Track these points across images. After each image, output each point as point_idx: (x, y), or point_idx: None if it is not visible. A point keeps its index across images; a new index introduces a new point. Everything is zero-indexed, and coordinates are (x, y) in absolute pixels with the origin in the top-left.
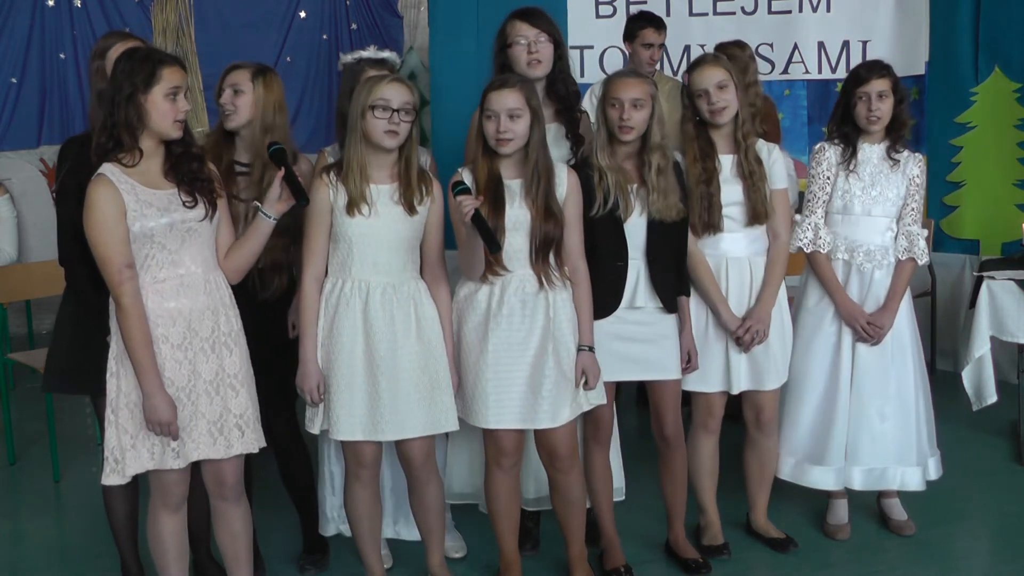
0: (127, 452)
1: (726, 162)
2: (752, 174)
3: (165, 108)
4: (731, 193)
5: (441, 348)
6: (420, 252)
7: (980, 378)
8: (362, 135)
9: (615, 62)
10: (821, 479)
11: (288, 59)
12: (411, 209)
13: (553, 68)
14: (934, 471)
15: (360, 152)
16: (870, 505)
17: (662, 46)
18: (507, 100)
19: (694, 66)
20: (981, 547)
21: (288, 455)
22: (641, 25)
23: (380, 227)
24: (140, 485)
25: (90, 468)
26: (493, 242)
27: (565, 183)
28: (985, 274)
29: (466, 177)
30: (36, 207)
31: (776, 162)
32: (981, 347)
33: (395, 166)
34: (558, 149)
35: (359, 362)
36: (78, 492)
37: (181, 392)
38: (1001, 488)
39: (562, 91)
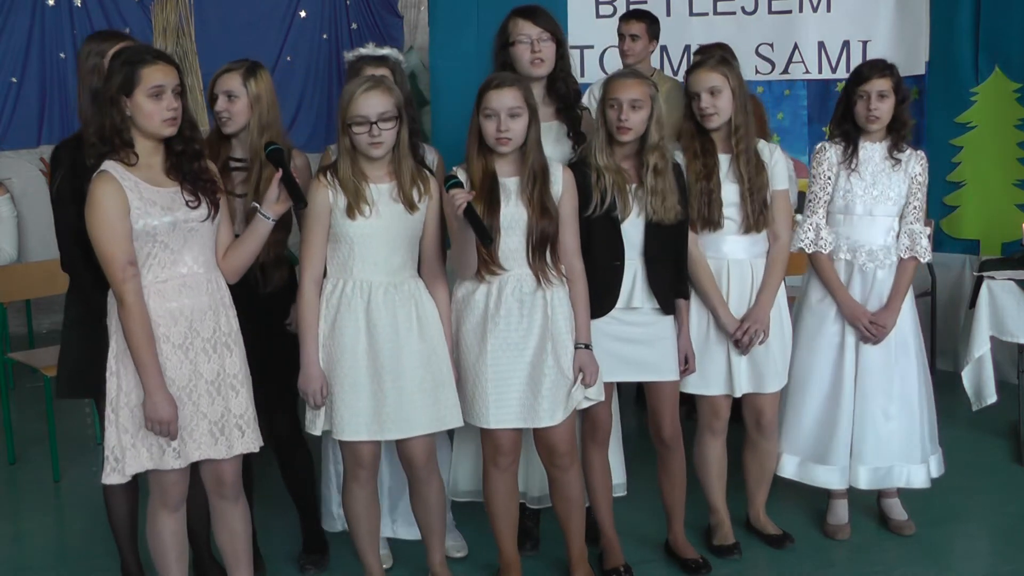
0: (127, 451)
1: (724, 161)
2: (743, 179)
3: (149, 109)
4: (730, 193)
5: (443, 345)
6: (419, 250)
7: (980, 378)
8: (348, 148)
9: (615, 62)
10: (826, 478)
11: (288, 59)
12: (411, 206)
13: (555, 67)
14: (935, 469)
15: (350, 161)
16: (870, 505)
17: (636, 37)
18: (507, 99)
19: (693, 67)
20: (981, 547)
21: (289, 453)
22: (621, 16)
23: (381, 226)
24: (140, 484)
25: (90, 468)
26: (485, 235)
27: (560, 181)
28: (985, 274)
29: (461, 175)
30: (36, 207)
31: (778, 163)
32: (981, 347)
33: (389, 164)
34: (560, 147)
35: (362, 362)
36: (78, 492)
37: (182, 392)
38: (1001, 488)
39: (563, 90)
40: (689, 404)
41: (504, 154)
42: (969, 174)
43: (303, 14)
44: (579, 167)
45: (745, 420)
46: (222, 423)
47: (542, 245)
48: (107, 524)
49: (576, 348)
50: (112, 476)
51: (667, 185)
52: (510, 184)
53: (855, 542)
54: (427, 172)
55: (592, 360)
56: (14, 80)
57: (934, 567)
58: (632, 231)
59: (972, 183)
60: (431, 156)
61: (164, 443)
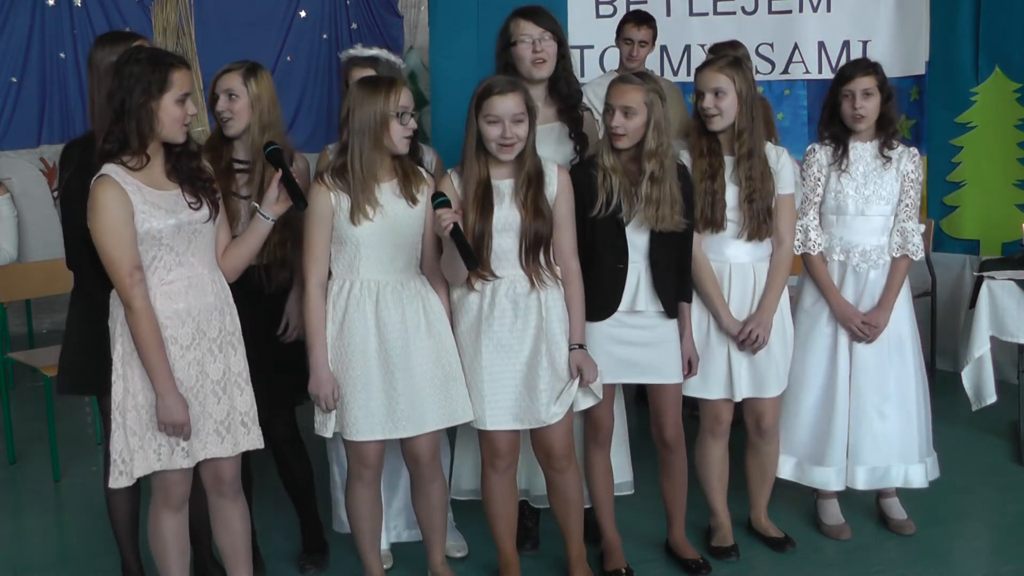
0: (135, 454)
1: (729, 163)
2: (743, 182)
3: (176, 114)
4: (732, 196)
5: (451, 340)
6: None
7: (980, 378)
8: (382, 142)
9: (615, 62)
10: (823, 479)
11: (288, 59)
12: (413, 200)
13: (556, 67)
14: (931, 471)
15: (374, 159)
16: (870, 505)
17: (644, 43)
18: (511, 105)
19: (701, 66)
20: (981, 547)
21: (288, 454)
22: (623, 20)
23: (387, 225)
24: (142, 485)
25: (90, 468)
26: (471, 257)
27: (555, 182)
28: (985, 274)
29: (454, 179)
30: (36, 207)
31: (784, 167)
32: (981, 347)
33: (393, 161)
34: (562, 148)
35: (373, 362)
36: (78, 492)
37: (189, 393)
38: (1001, 488)
39: (565, 90)
40: (692, 403)
41: (507, 159)
42: (969, 174)
43: (303, 14)
44: (586, 167)
45: (746, 424)
46: (228, 421)
47: (536, 247)
48: (107, 524)
49: (571, 349)
50: (120, 480)
51: (665, 194)
52: (503, 187)
53: (855, 542)
54: (421, 171)
55: (587, 358)
56: (14, 80)
57: (934, 567)
58: (637, 234)
59: (972, 183)
60: (429, 156)
61: (173, 443)
